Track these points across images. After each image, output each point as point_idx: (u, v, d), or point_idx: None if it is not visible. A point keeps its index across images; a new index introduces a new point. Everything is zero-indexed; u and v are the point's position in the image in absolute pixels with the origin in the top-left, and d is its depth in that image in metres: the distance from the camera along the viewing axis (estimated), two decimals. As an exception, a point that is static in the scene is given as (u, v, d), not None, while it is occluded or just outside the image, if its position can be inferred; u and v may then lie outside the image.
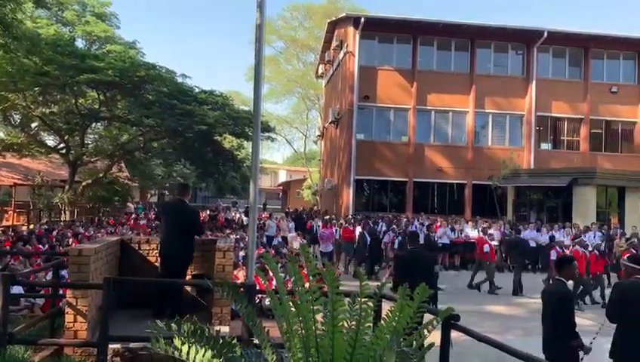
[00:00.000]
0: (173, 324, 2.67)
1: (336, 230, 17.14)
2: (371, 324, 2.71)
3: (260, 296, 8.74)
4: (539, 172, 24.19)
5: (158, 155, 30.36)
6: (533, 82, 25.44)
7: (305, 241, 20.53)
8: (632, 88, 26.20)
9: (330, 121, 29.16)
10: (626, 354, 5.21)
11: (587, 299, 12.55)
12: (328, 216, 20.83)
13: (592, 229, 18.84)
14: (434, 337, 3.03)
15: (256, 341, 3.03)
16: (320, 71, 34.53)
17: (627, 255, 6.75)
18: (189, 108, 21.41)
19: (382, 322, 2.73)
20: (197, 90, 24.11)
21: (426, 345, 2.76)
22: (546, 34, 24.60)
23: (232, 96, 30.32)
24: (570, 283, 6.57)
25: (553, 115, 25.97)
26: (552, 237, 16.68)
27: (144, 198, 40.31)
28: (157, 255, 7.33)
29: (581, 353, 5.32)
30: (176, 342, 2.59)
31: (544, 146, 26.21)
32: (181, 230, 6.96)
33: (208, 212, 26.94)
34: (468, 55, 25.61)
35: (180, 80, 23.52)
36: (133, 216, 25.29)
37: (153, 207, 31.34)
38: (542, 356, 5.00)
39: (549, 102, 25.68)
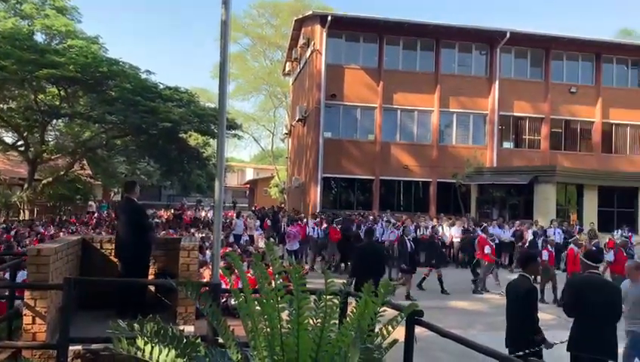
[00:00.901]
0: (135, 324, 2.62)
1: (320, 228, 17.08)
2: (337, 321, 2.72)
3: (226, 294, 8.67)
4: (501, 170, 24.73)
5: (122, 153, 29.77)
6: (496, 82, 25.99)
7: (272, 240, 20.50)
8: (590, 89, 27.03)
9: (297, 119, 29.14)
10: (582, 345, 5.39)
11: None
12: (303, 215, 20.72)
13: (552, 226, 19.40)
14: (398, 333, 3.06)
15: (221, 340, 3.00)
16: (287, 68, 34.47)
17: (584, 251, 7.01)
18: (153, 105, 21.06)
19: (347, 319, 2.74)
20: (161, 86, 23.74)
21: (390, 341, 2.78)
22: (508, 35, 25.15)
23: (197, 93, 29.94)
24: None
25: (515, 114, 26.58)
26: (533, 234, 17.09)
27: (107, 197, 39.48)
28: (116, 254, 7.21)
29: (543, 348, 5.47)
30: (139, 342, 2.55)
31: (506, 145, 26.81)
32: (129, 228, 6.86)
33: (172, 211, 26.55)
34: (433, 55, 25.98)
35: (144, 76, 23.11)
36: (96, 214, 24.74)
37: (116, 206, 30.71)
38: (505, 350, 5.11)
39: (511, 101, 26.27)
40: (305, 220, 18.55)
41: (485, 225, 18.14)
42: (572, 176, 23.04)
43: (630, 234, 19.05)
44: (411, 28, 25.15)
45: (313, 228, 17.08)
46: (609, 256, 12.27)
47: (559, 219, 20.86)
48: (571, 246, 13.01)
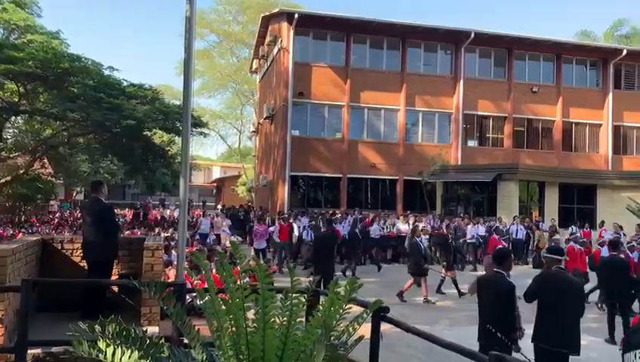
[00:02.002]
0: (96, 326, 2.56)
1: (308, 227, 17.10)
2: (303, 319, 2.72)
3: (192, 294, 8.57)
4: (466, 168, 25.18)
5: (84, 151, 29.03)
6: (461, 81, 26.42)
7: (240, 239, 20.36)
8: (552, 88, 27.76)
9: (264, 116, 29.00)
10: (544, 334, 5.58)
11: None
12: (285, 215, 20.30)
13: (515, 223, 19.89)
14: (365, 330, 3.08)
15: (186, 340, 2.97)
16: (254, 66, 34.25)
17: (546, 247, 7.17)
18: (116, 102, 20.58)
19: (313, 317, 2.74)
20: (125, 83, 23.22)
21: (356, 337, 2.79)
22: (473, 35, 25.59)
23: (162, 90, 29.44)
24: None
25: (479, 113, 27.08)
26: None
27: (69, 196, 38.52)
28: (81, 255, 7.06)
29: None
30: (101, 344, 2.50)
31: (470, 143, 27.29)
32: (96, 228, 6.75)
33: (132, 209, 26.05)
34: (399, 54, 26.23)
35: (107, 73, 22.56)
36: (57, 214, 24.10)
37: (79, 205, 30.00)
38: (470, 345, 5.19)
39: (475, 100, 26.75)
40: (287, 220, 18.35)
41: (497, 225, 18.06)
42: (534, 174, 23.62)
43: (588, 230, 19.64)
44: (378, 27, 25.33)
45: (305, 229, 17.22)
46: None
47: (521, 215, 21.40)
48: (571, 243, 13.15)
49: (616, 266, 9.71)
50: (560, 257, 5.89)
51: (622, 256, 11.08)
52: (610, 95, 28.11)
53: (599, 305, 11.75)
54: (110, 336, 2.53)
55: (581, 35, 41.70)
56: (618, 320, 9.32)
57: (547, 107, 27.64)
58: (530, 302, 5.82)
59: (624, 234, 16.63)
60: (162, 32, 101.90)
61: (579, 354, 5.52)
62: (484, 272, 6.68)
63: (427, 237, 16.62)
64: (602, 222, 20.61)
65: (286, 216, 18.68)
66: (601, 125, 28.34)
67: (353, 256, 15.74)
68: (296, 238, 17.10)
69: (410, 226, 18.91)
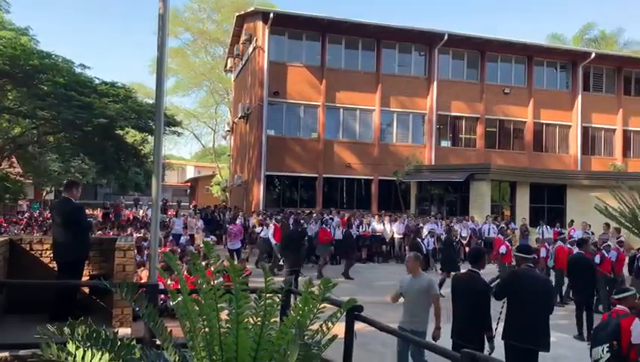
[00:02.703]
0: (65, 328, 2.52)
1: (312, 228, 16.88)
2: (277, 319, 2.72)
3: (165, 295, 8.48)
4: (439, 168, 25.46)
5: (54, 150, 28.44)
6: (435, 82, 26.70)
7: (214, 239, 20.19)
8: (523, 90, 28.27)
9: (239, 116, 28.85)
10: (513, 332, 5.67)
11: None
12: (280, 216, 19.97)
13: (487, 222, 20.20)
14: (339, 329, 3.10)
15: (158, 342, 2.94)
16: (229, 65, 34.06)
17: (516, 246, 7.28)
18: (88, 100, 20.23)
19: (287, 316, 2.74)
20: (97, 81, 22.85)
21: (330, 337, 2.81)
22: (446, 36, 25.88)
23: (135, 89, 29.04)
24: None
25: (452, 114, 27.41)
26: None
27: (39, 196, 37.67)
28: (51, 255, 6.92)
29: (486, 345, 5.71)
30: (70, 346, 2.45)
31: (444, 143, 27.60)
32: (65, 228, 6.63)
33: (102, 209, 25.62)
34: (374, 54, 26.38)
35: (78, 70, 22.16)
36: (26, 214, 23.55)
37: (49, 206, 29.35)
38: (443, 343, 5.26)
39: (448, 101, 27.07)
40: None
41: (503, 226, 18.04)
42: (505, 174, 24.00)
43: (558, 229, 20.02)
44: (353, 27, 25.42)
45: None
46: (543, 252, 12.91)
47: (493, 215, 21.73)
48: (558, 243, 13.21)
49: (582, 264, 9.96)
50: (528, 256, 6.00)
51: (598, 254, 11.43)
52: (580, 97, 28.76)
53: (562, 302, 12.08)
54: (80, 338, 2.48)
55: (552, 37, 42.60)
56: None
57: (518, 108, 28.13)
58: (499, 299, 5.91)
59: (592, 233, 17.02)
60: (135, 29, 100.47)
61: (548, 351, 5.63)
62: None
63: (434, 239, 16.67)
64: (571, 222, 21.04)
65: (280, 217, 18.53)
66: (570, 126, 28.98)
67: (347, 256, 15.73)
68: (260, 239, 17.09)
69: (386, 226, 19.11)
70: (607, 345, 4.83)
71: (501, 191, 24.16)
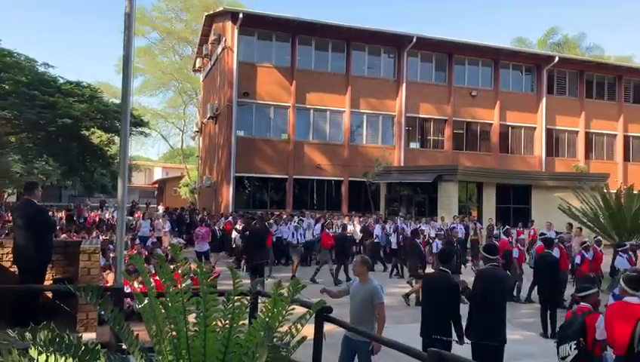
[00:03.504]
0: (27, 333, 2.46)
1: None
2: (246, 322, 2.71)
3: (132, 299, 8.34)
4: (408, 169, 25.73)
5: (17, 151, 27.65)
6: (404, 85, 26.96)
7: (183, 241, 19.94)
8: (489, 92, 28.80)
9: (208, 116, 28.57)
10: (478, 328, 5.83)
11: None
12: (271, 220, 19.46)
13: (455, 222, 20.50)
14: (308, 330, 3.10)
15: (125, 346, 2.89)
16: (197, 65, 33.70)
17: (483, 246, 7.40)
18: (51, 99, 19.74)
19: (256, 319, 2.73)
20: (61, 80, 22.32)
21: (299, 338, 2.81)
22: (415, 39, 26.17)
23: (101, 88, 28.48)
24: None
25: (421, 116, 27.73)
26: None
27: (0, 198, 36.56)
28: (11, 259, 6.73)
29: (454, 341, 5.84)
30: (32, 351, 2.39)
31: (413, 145, 27.90)
32: (27, 231, 6.46)
33: (64, 211, 25.01)
34: (344, 56, 26.49)
35: (41, 69, 21.61)
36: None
37: (10, 208, 28.50)
38: (412, 342, 5.31)
39: (417, 104, 27.38)
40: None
41: (508, 227, 17.34)
42: (472, 175, 24.42)
43: (522, 229, 20.46)
44: (323, 29, 25.47)
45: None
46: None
47: (461, 215, 22.08)
48: (538, 243, 13.37)
49: (547, 263, 10.21)
50: (493, 256, 6.15)
51: (578, 255, 11.69)
52: (544, 100, 29.47)
53: (519, 298, 12.39)
54: (42, 344, 2.43)
55: (517, 41, 43.60)
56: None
57: (485, 110, 28.65)
58: (475, 302, 5.98)
59: (556, 233, 17.46)
60: (102, 28, 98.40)
61: (505, 342, 5.84)
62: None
63: (440, 242, 16.53)
64: (532, 221, 21.57)
65: (271, 221, 18.36)
66: (535, 128, 29.65)
67: (343, 257, 15.62)
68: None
69: (356, 227, 19.20)
70: (575, 342, 4.96)
71: (468, 191, 24.57)
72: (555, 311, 9.60)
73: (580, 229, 16.39)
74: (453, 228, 19.72)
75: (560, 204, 17.44)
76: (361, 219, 20.13)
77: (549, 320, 9.51)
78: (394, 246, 17.27)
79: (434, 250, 15.66)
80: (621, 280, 5.15)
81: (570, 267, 12.21)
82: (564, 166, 29.30)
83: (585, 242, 12.44)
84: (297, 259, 15.82)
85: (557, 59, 29.33)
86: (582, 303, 5.33)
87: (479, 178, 24.37)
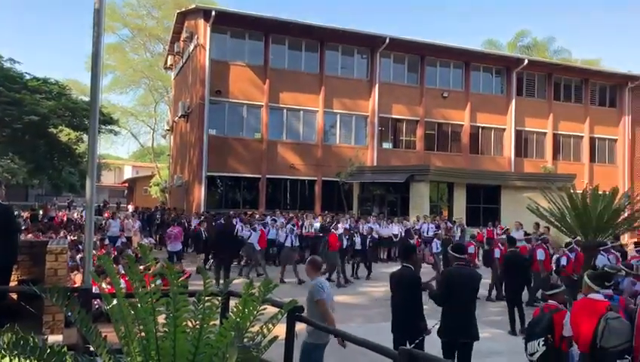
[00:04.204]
0: (-11, 336, 2.39)
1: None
2: (217, 322, 2.69)
3: (101, 300, 8.19)
4: (381, 169, 25.91)
5: (-20, 148, 26.94)
6: (376, 85, 27.13)
7: (153, 241, 19.68)
8: (460, 94, 29.19)
9: (179, 115, 28.26)
10: (453, 331, 5.94)
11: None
12: (266, 220, 18.85)
13: (426, 221, 20.74)
14: (280, 330, 3.09)
15: (92, 348, 2.84)
16: (169, 62, 33.31)
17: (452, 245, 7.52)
18: (17, 96, 19.30)
19: (226, 319, 2.72)
20: (28, 76, 21.83)
21: (270, 338, 2.80)
22: (388, 40, 26.34)
23: (69, 85, 27.92)
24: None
25: (393, 116, 27.94)
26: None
27: (-37, 197, 35.49)
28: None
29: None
30: (-5, 355, 2.34)
31: (385, 145, 28.09)
32: None
33: (29, 211, 24.42)
34: (317, 56, 26.50)
35: (7, 65, 21.10)
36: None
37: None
38: (383, 341, 5.35)
39: (389, 104, 27.58)
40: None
41: (543, 233, 17.56)
42: (444, 175, 24.72)
43: (491, 228, 20.79)
44: (296, 28, 25.44)
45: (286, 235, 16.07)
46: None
47: (432, 215, 22.33)
48: (522, 243, 13.52)
49: (515, 261, 10.45)
50: (461, 255, 6.30)
51: (564, 256, 11.93)
52: (513, 101, 30.02)
53: (492, 297, 12.60)
54: (6, 347, 2.37)
55: (487, 43, 44.32)
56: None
57: (456, 112, 29.03)
58: (440, 305, 6.09)
59: (526, 233, 17.79)
60: (71, 23, 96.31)
61: (478, 339, 6.00)
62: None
63: (440, 241, 16.50)
64: (499, 221, 21.98)
65: (266, 221, 18.10)
66: (504, 129, 30.18)
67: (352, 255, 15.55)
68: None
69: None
70: (543, 339, 5.07)
71: (439, 191, 24.87)
72: (522, 308, 9.81)
73: (548, 229, 16.77)
74: (419, 228, 20.02)
75: (528, 204, 17.71)
76: (333, 218, 20.17)
77: (517, 317, 9.72)
78: (358, 246, 16.47)
79: (434, 250, 15.82)
80: (585, 276, 5.29)
81: (554, 268, 12.43)
82: (533, 167, 29.90)
83: (570, 243, 12.76)
84: (336, 265, 14.70)
85: (526, 61, 29.91)
86: (549, 301, 5.46)
87: (450, 178, 24.69)
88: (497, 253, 13.20)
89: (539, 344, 5.11)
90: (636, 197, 21.75)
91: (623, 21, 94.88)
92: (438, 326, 5.97)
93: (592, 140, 32.01)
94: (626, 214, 17.90)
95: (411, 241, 13.66)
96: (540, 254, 11.84)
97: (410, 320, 6.00)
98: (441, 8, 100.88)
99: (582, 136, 31.84)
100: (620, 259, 12.45)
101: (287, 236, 15.89)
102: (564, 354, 5.09)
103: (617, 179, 30.73)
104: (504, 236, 14.58)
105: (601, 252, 12.22)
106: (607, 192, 16.61)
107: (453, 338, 5.93)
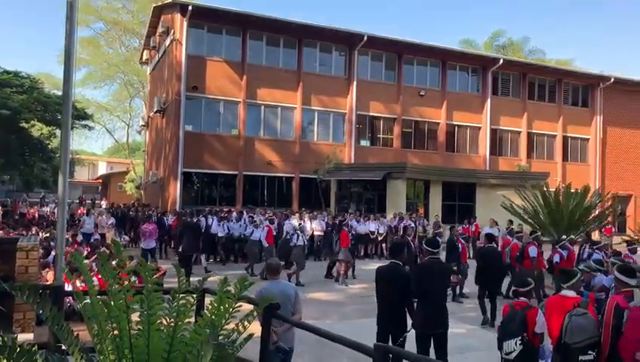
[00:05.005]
0: (-44, 336, 2.33)
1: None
2: (192, 320, 2.67)
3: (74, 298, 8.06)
4: (358, 166, 25.99)
5: (-52, 143, 26.24)
6: (354, 83, 27.18)
7: (127, 238, 19.44)
8: (437, 92, 29.44)
9: (155, 110, 27.90)
10: (427, 323, 6.19)
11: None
12: (272, 216, 18.57)
13: (404, 218, 20.89)
14: (255, 327, 3.08)
15: (64, 346, 2.79)
16: (144, 57, 32.85)
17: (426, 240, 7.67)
18: (-13, 89, 18.85)
19: (201, 316, 2.70)
20: (-2, 70, 21.34)
21: (245, 335, 2.79)
22: (365, 38, 26.41)
23: (42, 79, 27.37)
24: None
25: (371, 114, 28.05)
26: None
27: None
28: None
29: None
30: (-37, 354, 2.28)
31: (363, 143, 28.20)
32: None
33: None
34: (296, 53, 26.43)
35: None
36: None
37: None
38: (360, 338, 5.38)
39: (367, 102, 27.67)
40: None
41: (512, 227, 17.10)
42: (420, 173, 24.92)
43: (467, 226, 21.07)
44: (275, 24, 25.32)
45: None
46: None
47: (408, 212, 22.50)
48: (507, 237, 13.63)
49: (490, 256, 10.64)
50: (435, 250, 6.59)
51: (557, 254, 12.11)
52: (489, 100, 30.39)
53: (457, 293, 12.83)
54: (-27, 346, 2.32)
55: (463, 43, 44.80)
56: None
57: (433, 110, 29.27)
58: (416, 296, 6.30)
59: (499, 230, 18.09)
60: (43, 15, 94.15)
61: (447, 329, 6.32)
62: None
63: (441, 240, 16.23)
64: (474, 218, 22.28)
65: (273, 217, 17.94)
66: (480, 128, 30.54)
67: (329, 253, 15.44)
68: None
69: (306, 224, 19.17)
70: (519, 338, 5.15)
71: (416, 189, 25.05)
72: (495, 301, 10.06)
73: (511, 222, 17.21)
74: (396, 225, 20.14)
75: (503, 202, 18.05)
76: (310, 216, 20.14)
77: (488, 309, 9.96)
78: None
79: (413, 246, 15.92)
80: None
81: (547, 266, 12.62)
82: (507, 165, 30.33)
83: (562, 241, 13.01)
84: (346, 261, 14.52)
85: (502, 61, 30.29)
86: (520, 298, 5.55)
87: (426, 176, 24.89)
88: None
89: (516, 343, 5.18)
90: (606, 196, 22.42)
91: (596, 22, 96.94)
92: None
93: (564, 139, 32.61)
94: (596, 212, 18.45)
95: (408, 238, 13.64)
96: (532, 251, 11.99)
97: (398, 315, 6.19)
98: (419, 8, 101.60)
99: (555, 136, 32.41)
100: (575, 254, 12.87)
101: (297, 236, 14.59)
102: (536, 350, 5.20)
103: (589, 177, 31.39)
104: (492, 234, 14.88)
105: (557, 249, 12.54)
106: (579, 190, 17.09)
107: (427, 330, 6.17)
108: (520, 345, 5.10)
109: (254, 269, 14.98)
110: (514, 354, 5.12)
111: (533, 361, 5.14)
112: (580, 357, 4.92)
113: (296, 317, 5.25)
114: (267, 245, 14.93)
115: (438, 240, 8.03)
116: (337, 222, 18.06)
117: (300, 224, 16.26)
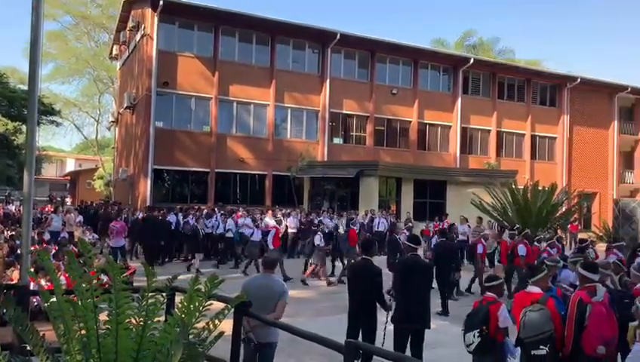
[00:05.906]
0: None
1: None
2: (162, 319, 2.64)
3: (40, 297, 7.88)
4: (331, 164, 26.03)
5: None
6: (327, 80, 27.21)
7: (96, 237, 19.07)
8: (409, 91, 29.69)
9: (125, 106, 27.42)
10: (407, 318, 6.30)
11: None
12: (279, 217, 18.64)
13: (375, 216, 21.03)
14: (227, 325, 3.06)
15: (29, 347, 2.73)
16: (114, 52, 32.25)
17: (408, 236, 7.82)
18: (-51, 83, 18.23)
19: (171, 315, 2.67)
20: (-39, 63, 20.62)
21: (216, 334, 2.77)
22: (338, 36, 26.44)
23: (6, 73, 26.60)
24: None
25: (344, 112, 28.13)
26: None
27: None
28: None
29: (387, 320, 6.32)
30: None
31: (336, 140, 28.26)
32: None
33: None
34: (268, 49, 26.30)
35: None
36: None
37: None
38: (332, 334, 5.40)
39: (340, 100, 27.74)
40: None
41: (513, 227, 17.25)
42: (392, 170, 25.11)
43: (438, 223, 21.32)
44: (247, 20, 25.13)
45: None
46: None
47: (381, 209, 22.66)
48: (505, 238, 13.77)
49: (444, 251, 10.99)
50: (416, 246, 6.62)
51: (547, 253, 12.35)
52: (459, 99, 30.79)
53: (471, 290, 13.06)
54: None
55: (435, 42, 45.29)
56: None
57: (405, 108, 29.52)
58: (396, 290, 6.38)
59: (469, 226, 18.35)
60: (9, 6, 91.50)
61: (429, 328, 6.39)
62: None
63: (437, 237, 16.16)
64: (446, 215, 22.57)
65: (280, 218, 17.74)
66: (450, 126, 30.93)
67: (304, 251, 15.39)
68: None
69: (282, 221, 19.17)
70: (478, 330, 5.25)
71: (388, 186, 25.24)
72: (447, 295, 10.69)
73: (480, 219, 17.63)
74: (369, 222, 20.24)
75: (473, 199, 18.32)
76: (284, 213, 20.11)
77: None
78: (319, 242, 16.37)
79: (432, 246, 15.91)
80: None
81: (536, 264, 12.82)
82: (477, 163, 30.81)
83: (552, 238, 13.28)
84: (319, 263, 14.20)
85: (472, 60, 30.72)
86: (487, 293, 5.65)
87: (398, 173, 25.09)
88: (480, 249, 13.43)
89: (474, 335, 5.29)
90: (573, 193, 23.00)
91: (565, 23, 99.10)
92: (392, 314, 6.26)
93: (533, 138, 33.27)
94: (563, 209, 18.90)
95: (397, 236, 13.58)
96: (522, 250, 12.14)
97: (368, 310, 6.26)
98: (391, 7, 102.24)
99: (524, 134, 33.04)
100: (561, 251, 13.16)
101: (320, 237, 14.40)
102: (500, 344, 5.30)
103: (556, 175, 32.13)
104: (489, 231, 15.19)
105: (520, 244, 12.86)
106: (547, 188, 17.47)
107: (406, 326, 6.25)
108: (478, 337, 5.20)
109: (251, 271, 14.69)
110: (473, 346, 5.23)
111: (492, 354, 5.22)
112: (532, 352, 5.03)
113: (272, 316, 5.08)
114: (272, 248, 14.26)
115: (420, 237, 8.14)
116: (310, 220, 17.99)
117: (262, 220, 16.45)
